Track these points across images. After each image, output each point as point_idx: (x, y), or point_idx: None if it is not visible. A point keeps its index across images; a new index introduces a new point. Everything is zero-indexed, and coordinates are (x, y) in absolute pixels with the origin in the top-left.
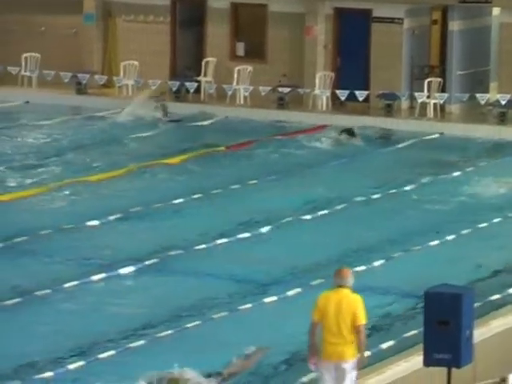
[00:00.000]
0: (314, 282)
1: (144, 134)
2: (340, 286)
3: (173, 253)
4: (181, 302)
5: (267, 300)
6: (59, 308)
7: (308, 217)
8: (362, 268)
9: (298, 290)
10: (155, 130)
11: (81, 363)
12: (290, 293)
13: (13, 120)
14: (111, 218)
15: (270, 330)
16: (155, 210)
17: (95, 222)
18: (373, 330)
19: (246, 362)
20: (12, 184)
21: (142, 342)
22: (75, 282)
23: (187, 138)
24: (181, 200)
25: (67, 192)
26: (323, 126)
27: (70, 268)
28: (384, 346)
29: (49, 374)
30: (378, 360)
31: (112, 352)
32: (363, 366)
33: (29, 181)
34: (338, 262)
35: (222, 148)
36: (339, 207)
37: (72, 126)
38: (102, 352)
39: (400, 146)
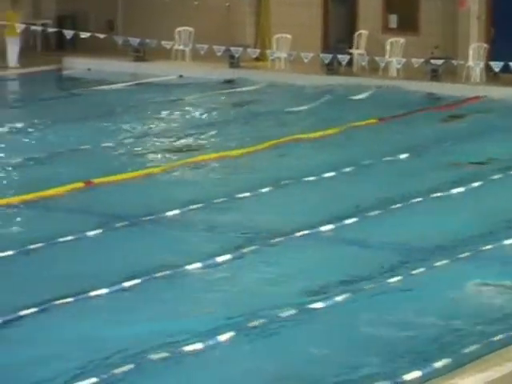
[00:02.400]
0: None
1: (299, 108)
2: None
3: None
4: None
5: None
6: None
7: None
8: None
9: None
10: (311, 103)
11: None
12: None
13: (167, 94)
14: (264, 190)
15: None
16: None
17: (247, 194)
18: None
19: None
20: (166, 157)
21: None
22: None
23: (341, 110)
24: (333, 173)
25: (217, 165)
26: (477, 98)
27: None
28: None
29: None
30: None
31: None
32: None
33: (183, 153)
34: None
35: (375, 120)
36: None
37: (226, 99)
38: None
39: None
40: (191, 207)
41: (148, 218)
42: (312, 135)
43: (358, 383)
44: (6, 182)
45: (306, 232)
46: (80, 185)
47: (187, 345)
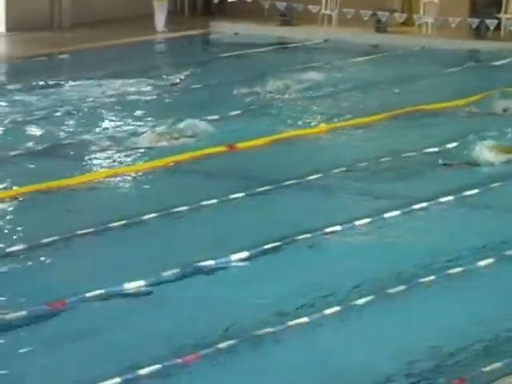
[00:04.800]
0: None
1: (444, 72)
2: None
3: None
4: None
5: None
6: None
7: None
8: None
9: None
10: (450, 68)
11: None
12: None
13: (313, 58)
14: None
15: None
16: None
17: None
18: None
19: None
20: (308, 121)
21: None
22: None
23: (485, 77)
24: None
25: (358, 130)
26: None
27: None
28: None
29: None
30: None
31: None
32: None
33: (327, 117)
34: None
35: None
36: None
37: (371, 63)
38: None
39: None
40: (333, 171)
41: (290, 182)
42: (456, 102)
43: None
44: (150, 147)
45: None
46: (223, 148)
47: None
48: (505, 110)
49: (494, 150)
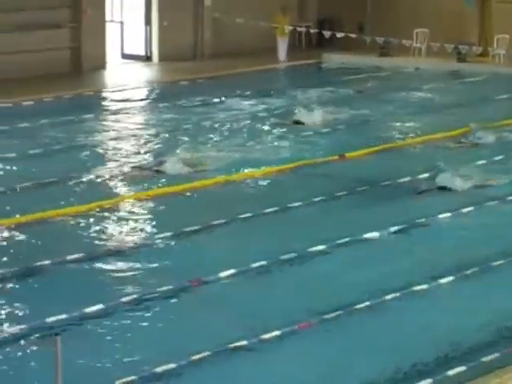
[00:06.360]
0: None
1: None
2: None
3: None
4: None
5: None
6: None
7: None
8: None
9: None
10: None
11: None
12: None
13: (405, 82)
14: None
15: None
16: None
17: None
18: None
19: None
20: (400, 134)
21: None
22: None
23: None
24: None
25: (443, 142)
26: None
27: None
28: None
29: None
30: None
31: None
32: None
33: (414, 131)
34: None
35: None
36: None
37: (453, 87)
38: None
39: None
40: (419, 176)
41: (384, 183)
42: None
43: None
44: (266, 152)
45: None
46: (335, 157)
47: None
48: None
49: None
